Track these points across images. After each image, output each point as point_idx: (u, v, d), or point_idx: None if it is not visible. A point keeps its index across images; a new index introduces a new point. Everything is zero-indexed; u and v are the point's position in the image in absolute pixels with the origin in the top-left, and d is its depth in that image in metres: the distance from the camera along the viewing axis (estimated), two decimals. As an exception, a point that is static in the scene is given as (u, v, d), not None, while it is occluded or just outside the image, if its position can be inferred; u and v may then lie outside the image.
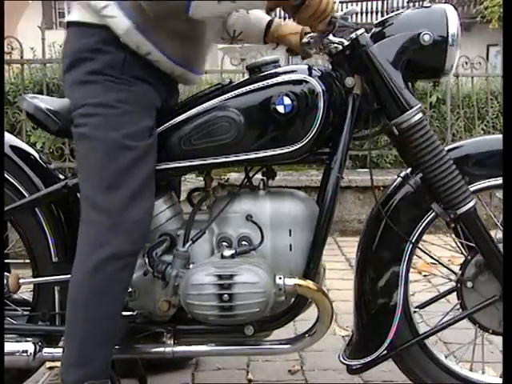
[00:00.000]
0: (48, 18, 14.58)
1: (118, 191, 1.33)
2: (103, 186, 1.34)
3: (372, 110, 1.50)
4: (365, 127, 1.54)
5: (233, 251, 1.38)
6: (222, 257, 1.39)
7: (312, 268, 1.47)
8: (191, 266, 1.43)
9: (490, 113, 4.44)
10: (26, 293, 1.74)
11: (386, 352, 1.50)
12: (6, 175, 1.55)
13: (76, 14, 1.40)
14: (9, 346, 1.50)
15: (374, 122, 1.52)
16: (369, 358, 1.51)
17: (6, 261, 1.71)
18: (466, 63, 4.37)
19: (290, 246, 1.49)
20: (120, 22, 1.32)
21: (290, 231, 1.49)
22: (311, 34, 1.66)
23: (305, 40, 1.67)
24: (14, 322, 1.65)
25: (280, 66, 1.49)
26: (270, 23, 1.74)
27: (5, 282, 1.55)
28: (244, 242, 1.48)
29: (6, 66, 3.95)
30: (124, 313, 1.49)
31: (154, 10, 1.32)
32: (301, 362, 1.96)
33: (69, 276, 1.50)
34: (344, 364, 1.55)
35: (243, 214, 1.50)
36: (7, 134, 1.62)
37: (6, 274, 1.58)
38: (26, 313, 1.67)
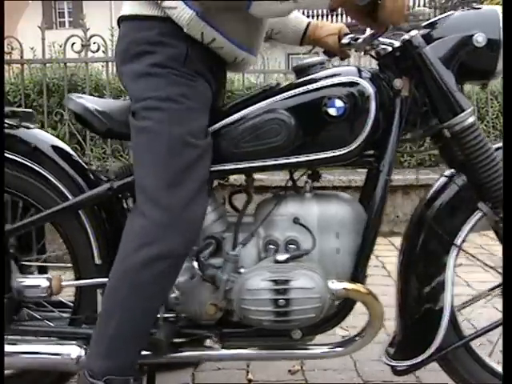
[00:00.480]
0: (48, 18, 14.51)
1: (178, 189, 1.31)
2: (164, 182, 1.31)
3: (420, 112, 1.48)
4: (411, 129, 1.52)
5: (287, 256, 1.37)
6: (275, 261, 1.37)
7: (360, 271, 1.46)
8: (242, 270, 1.41)
9: (490, 113, 4.43)
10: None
11: (432, 354, 1.50)
12: (49, 177, 1.53)
13: (131, 8, 1.37)
14: (52, 349, 1.49)
15: (421, 125, 1.50)
16: (415, 360, 1.50)
17: (45, 264, 1.70)
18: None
19: (338, 249, 1.48)
20: (182, 12, 1.30)
21: (338, 234, 1.48)
22: (351, 35, 1.66)
23: (345, 41, 1.67)
24: (53, 324, 1.64)
25: (326, 68, 1.48)
26: (307, 26, 1.73)
27: (47, 284, 1.53)
28: (292, 246, 1.46)
29: (6, 66, 3.91)
30: (166, 315, 1.49)
31: (215, 5, 1.30)
32: (301, 362, 1.94)
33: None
34: (388, 365, 1.54)
35: (290, 217, 1.49)
36: (49, 136, 1.61)
37: (47, 276, 1.56)
38: (65, 315, 1.66)
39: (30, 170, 1.53)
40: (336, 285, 1.40)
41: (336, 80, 1.41)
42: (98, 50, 3.54)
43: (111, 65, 3.76)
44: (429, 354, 1.50)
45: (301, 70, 1.49)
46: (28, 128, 1.57)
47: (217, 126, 1.44)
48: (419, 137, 1.54)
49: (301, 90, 1.41)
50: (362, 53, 1.65)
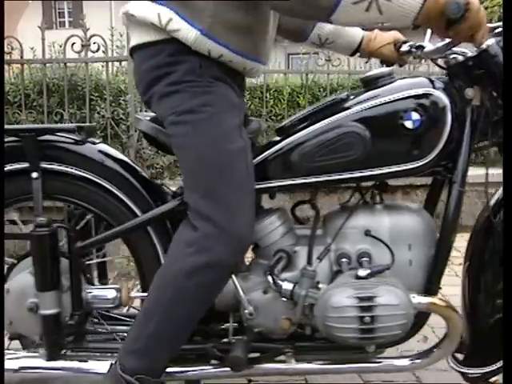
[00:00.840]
0: (48, 18, 14.45)
1: (217, 197, 1.32)
2: (201, 192, 1.33)
3: (491, 122, 1.46)
4: (482, 139, 1.51)
5: (368, 271, 1.36)
6: (357, 277, 1.36)
7: (434, 283, 1.45)
8: (320, 285, 1.40)
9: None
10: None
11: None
12: (117, 193, 1.52)
13: (138, 38, 1.39)
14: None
15: (492, 134, 1.49)
16: (489, 369, 1.50)
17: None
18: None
19: (410, 261, 1.47)
20: (187, 33, 1.31)
21: (410, 246, 1.47)
22: (410, 43, 1.64)
23: (405, 49, 1.66)
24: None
25: (395, 78, 1.46)
26: (362, 38, 1.73)
27: (116, 294, 1.52)
28: (364, 259, 1.46)
29: (5, 66, 3.90)
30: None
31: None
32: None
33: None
34: (458, 371, 1.54)
35: (361, 230, 1.48)
36: (113, 150, 1.59)
37: (116, 286, 1.55)
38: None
39: (99, 187, 1.52)
40: (418, 299, 1.39)
41: (411, 92, 1.39)
42: (98, 49, 3.49)
43: (111, 65, 3.78)
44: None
45: (369, 82, 1.47)
46: (94, 143, 1.56)
47: (288, 141, 1.43)
48: (490, 146, 1.52)
49: (375, 102, 1.40)
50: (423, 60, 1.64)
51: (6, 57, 3.59)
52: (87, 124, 1.60)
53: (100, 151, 1.56)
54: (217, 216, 1.31)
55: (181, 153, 1.38)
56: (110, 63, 3.72)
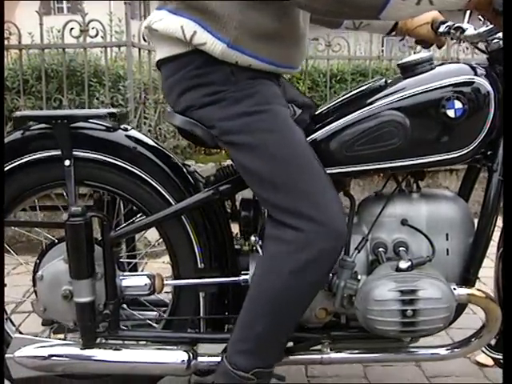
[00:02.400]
0: (46, 4, 14.22)
1: (306, 193, 1.29)
2: (286, 190, 1.29)
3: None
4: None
5: (409, 263, 1.35)
6: (398, 269, 1.35)
7: (472, 274, 1.44)
8: (359, 276, 1.39)
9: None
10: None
11: None
12: (151, 181, 1.50)
13: (164, 51, 1.37)
14: (162, 356, 1.48)
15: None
16: None
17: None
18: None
19: (447, 250, 1.46)
20: (213, 46, 1.28)
21: (447, 235, 1.46)
22: (449, 23, 1.60)
23: (443, 29, 1.61)
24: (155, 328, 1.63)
25: (434, 65, 1.43)
26: None
27: (150, 281, 1.51)
28: (401, 248, 1.44)
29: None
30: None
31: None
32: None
33: (215, 280, 1.49)
34: (490, 357, 1.55)
35: (398, 219, 1.46)
36: (145, 137, 1.56)
37: (150, 273, 1.54)
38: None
39: (131, 174, 1.50)
40: (458, 291, 1.37)
41: (452, 80, 1.36)
42: (96, 35, 3.45)
43: (110, 50, 3.72)
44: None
45: (407, 68, 1.44)
46: (126, 130, 1.53)
47: (327, 129, 1.40)
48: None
49: (416, 90, 1.36)
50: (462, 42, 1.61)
51: (4, 42, 3.53)
52: (119, 110, 1.56)
53: (132, 138, 1.53)
54: (314, 213, 1.27)
55: (248, 158, 1.33)
56: (108, 49, 3.67)
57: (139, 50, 3.70)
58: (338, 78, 4.38)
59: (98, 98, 3.65)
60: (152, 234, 1.75)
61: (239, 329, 1.37)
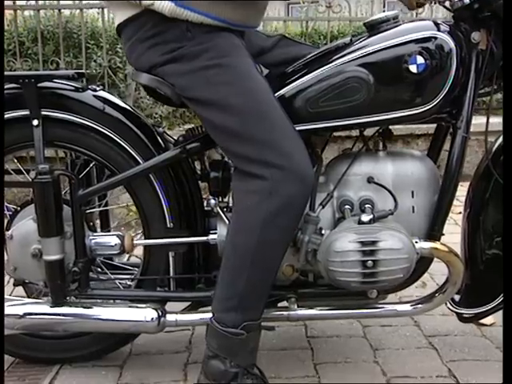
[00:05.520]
0: None
1: (271, 142, 1.29)
2: (252, 141, 1.30)
3: (496, 66, 1.44)
4: (487, 84, 1.49)
5: (371, 216, 1.36)
6: (360, 222, 1.36)
7: (437, 230, 1.45)
8: (323, 231, 1.41)
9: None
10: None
11: (499, 304, 1.52)
12: (119, 141, 1.51)
13: (121, 16, 1.38)
14: (134, 314, 1.50)
15: (497, 79, 1.47)
16: (482, 309, 1.54)
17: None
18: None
19: (413, 207, 1.47)
20: (161, 6, 1.29)
21: (413, 193, 1.47)
22: None
23: None
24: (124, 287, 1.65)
25: (399, 22, 1.43)
26: None
27: (119, 241, 1.53)
28: (367, 205, 1.46)
29: None
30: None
31: None
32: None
33: (184, 240, 1.50)
34: (453, 311, 1.59)
35: (364, 177, 1.48)
36: (114, 98, 1.57)
37: (119, 233, 1.56)
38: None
39: (100, 134, 1.51)
40: (420, 244, 1.39)
41: (415, 35, 1.37)
42: None
43: (107, 12, 3.61)
44: (496, 304, 1.52)
45: (373, 26, 1.44)
46: (95, 90, 1.54)
47: (291, 87, 1.41)
48: (494, 92, 1.50)
49: (380, 46, 1.37)
50: (433, 3, 1.61)
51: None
52: (87, 71, 1.57)
53: (101, 98, 1.54)
54: (278, 159, 1.28)
55: (211, 112, 1.33)
56: (105, 10, 3.56)
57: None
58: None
59: (95, 61, 3.59)
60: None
61: (221, 288, 1.39)
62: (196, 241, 1.55)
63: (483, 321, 1.82)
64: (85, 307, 1.52)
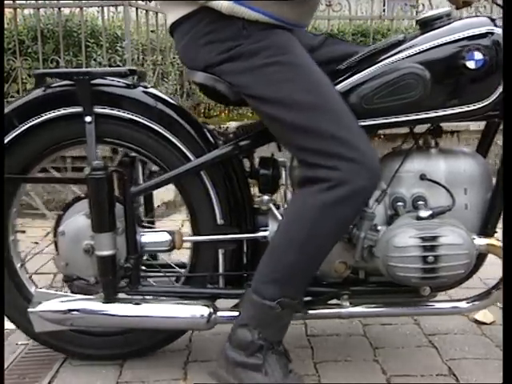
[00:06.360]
0: None
1: (342, 137, 1.29)
2: (323, 136, 1.30)
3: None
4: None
5: (429, 212, 1.36)
6: (418, 218, 1.36)
7: (490, 227, 1.45)
8: (378, 227, 1.40)
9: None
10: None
11: None
12: (171, 138, 1.51)
13: (175, 14, 1.39)
14: (184, 311, 1.50)
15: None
16: None
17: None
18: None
19: (466, 205, 1.46)
20: (219, 2, 1.30)
21: (466, 190, 1.47)
22: None
23: None
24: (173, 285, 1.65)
25: (453, 19, 1.43)
26: None
27: (170, 237, 1.53)
28: (420, 202, 1.45)
29: None
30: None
31: None
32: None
33: (234, 236, 1.51)
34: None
35: (416, 174, 1.47)
36: (164, 95, 1.57)
37: (170, 230, 1.56)
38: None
39: (152, 131, 1.51)
40: (478, 240, 1.38)
41: (472, 31, 1.36)
42: None
43: (106, 10, 3.65)
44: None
45: (426, 23, 1.44)
46: (146, 87, 1.54)
47: (347, 83, 1.40)
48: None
49: (436, 42, 1.37)
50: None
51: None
52: (139, 69, 1.57)
53: (152, 95, 1.54)
54: (351, 153, 1.28)
55: (273, 109, 1.33)
56: (105, 8, 3.60)
57: (136, 9, 3.63)
58: (339, 38, 4.34)
59: (95, 60, 3.59)
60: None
61: (266, 261, 1.39)
62: (246, 237, 1.54)
63: (483, 319, 1.82)
64: (135, 304, 1.52)
